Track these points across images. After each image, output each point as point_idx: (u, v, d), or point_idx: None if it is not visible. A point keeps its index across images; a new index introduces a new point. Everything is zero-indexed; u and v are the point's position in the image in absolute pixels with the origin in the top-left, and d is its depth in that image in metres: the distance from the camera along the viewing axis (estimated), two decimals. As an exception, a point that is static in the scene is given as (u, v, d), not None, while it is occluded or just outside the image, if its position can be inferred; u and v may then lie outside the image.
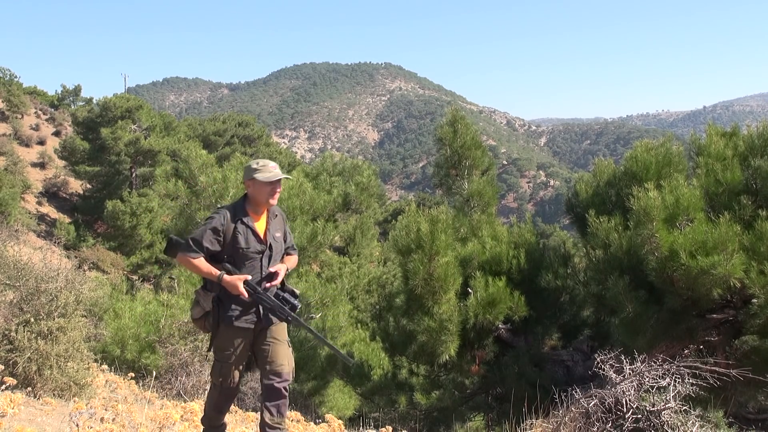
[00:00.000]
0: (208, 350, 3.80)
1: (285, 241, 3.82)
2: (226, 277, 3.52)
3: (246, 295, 3.49)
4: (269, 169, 3.63)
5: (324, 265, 13.33)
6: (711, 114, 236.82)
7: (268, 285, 3.60)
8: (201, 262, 3.57)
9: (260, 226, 3.68)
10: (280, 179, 3.69)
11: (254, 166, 3.65)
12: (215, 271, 3.54)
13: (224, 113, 45.51)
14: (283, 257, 3.85)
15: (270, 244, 3.65)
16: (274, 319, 3.61)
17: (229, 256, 3.57)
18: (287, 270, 3.77)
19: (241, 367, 3.63)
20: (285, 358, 3.63)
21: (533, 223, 7.41)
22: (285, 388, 3.62)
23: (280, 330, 3.68)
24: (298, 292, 3.76)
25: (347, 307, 8.96)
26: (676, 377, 3.97)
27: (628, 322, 5.01)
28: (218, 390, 3.61)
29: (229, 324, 3.53)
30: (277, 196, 3.72)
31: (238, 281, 3.52)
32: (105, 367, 6.17)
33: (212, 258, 3.56)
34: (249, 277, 3.58)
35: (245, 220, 3.60)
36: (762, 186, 5.16)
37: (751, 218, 4.91)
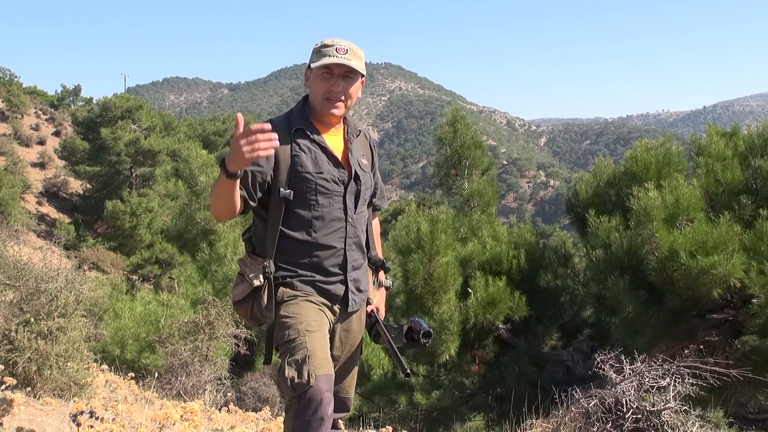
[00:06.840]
0: (266, 360, 2.29)
1: (373, 177, 2.42)
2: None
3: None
4: (331, 51, 2.19)
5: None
6: (711, 114, 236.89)
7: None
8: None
9: (334, 143, 2.29)
10: (348, 67, 2.20)
11: (316, 46, 2.26)
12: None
13: (224, 113, 45.49)
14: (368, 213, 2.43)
15: (355, 172, 2.28)
16: (357, 305, 2.39)
17: (287, 194, 2.18)
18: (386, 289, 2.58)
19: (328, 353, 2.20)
20: (354, 380, 2.47)
21: (533, 223, 7.40)
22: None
23: (358, 332, 2.47)
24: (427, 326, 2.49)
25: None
26: (676, 377, 3.96)
27: (628, 322, 5.01)
28: (299, 404, 2.06)
29: (292, 300, 2.21)
30: (340, 105, 2.24)
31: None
32: (105, 367, 6.18)
33: (261, 206, 2.24)
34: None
35: (309, 131, 2.25)
36: (762, 186, 5.16)
37: (751, 218, 4.91)
